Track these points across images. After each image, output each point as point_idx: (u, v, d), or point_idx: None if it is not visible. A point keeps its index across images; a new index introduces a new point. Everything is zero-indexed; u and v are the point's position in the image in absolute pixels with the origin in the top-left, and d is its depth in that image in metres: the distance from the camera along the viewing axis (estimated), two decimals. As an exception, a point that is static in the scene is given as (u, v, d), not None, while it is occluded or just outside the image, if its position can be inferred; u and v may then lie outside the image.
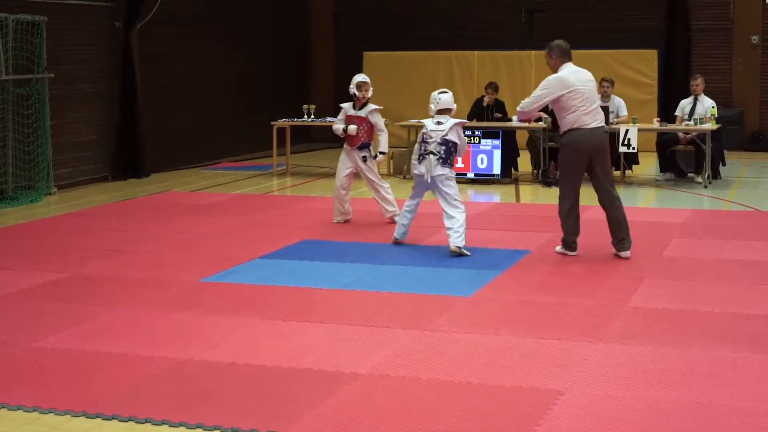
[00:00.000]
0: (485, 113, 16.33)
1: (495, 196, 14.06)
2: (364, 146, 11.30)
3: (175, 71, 17.53)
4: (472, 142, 15.16)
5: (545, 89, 9.42)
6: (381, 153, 11.36)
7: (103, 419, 5.29)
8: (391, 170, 16.36)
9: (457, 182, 15.41)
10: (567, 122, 9.34)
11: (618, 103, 15.49)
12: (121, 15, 16.00)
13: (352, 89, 11.39)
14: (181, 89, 17.50)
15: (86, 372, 6.07)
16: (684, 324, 7.09)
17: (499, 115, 16.28)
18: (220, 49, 18.90)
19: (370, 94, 11.34)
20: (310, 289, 8.20)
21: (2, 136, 13.38)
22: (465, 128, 14.18)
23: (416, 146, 10.01)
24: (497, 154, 15.12)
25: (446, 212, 9.63)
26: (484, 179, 15.17)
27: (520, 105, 9.81)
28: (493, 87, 16.47)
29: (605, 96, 15.41)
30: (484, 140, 15.17)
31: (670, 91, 19.15)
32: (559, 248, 9.59)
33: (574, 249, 9.53)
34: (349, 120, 11.34)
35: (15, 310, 7.58)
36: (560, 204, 9.56)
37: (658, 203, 13.26)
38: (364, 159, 11.30)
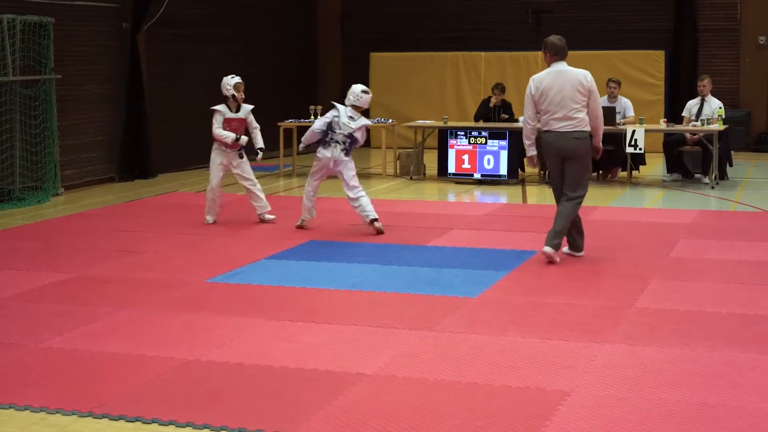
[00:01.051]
0: (492, 114, 16.34)
1: (502, 196, 14.05)
2: (247, 148, 11.49)
3: (181, 72, 17.55)
4: (479, 143, 15.17)
5: (527, 94, 9.35)
6: (261, 150, 11.62)
7: (110, 419, 5.29)
8: (398, 171, 16.36)
9: (464, 183, 15.52)
10: (541, 123, 9.32)
11: (625, 103, 15.48)
12: (128, 16, 16.03)
13: (230, 90, 11.32)
14: (187, 90, 17.51)
15: (93, 372, 6.08)
16: (691, 325, 7.08)
17: (506, 116, 16.28)
18: (226, 50, 18.91)
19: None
20: (317, 289, 8.20)
21: (10, 137, 13.41)
22: (461, 129, 14.99)
23: (319, 127, 10.86)
24: (504, 155, 15.11)
25: (350, 196, 10.73)
26: (490, 180, 15.16)
27: (523, 126, 9.60)
28: (500, 88, 16.48)
29: (612, 97, 15.41)
30: (491, 141, 15.16)
31: (677, 92, 19.14)
32: (565, 249, 9.51)
33: (580, 250, 9.48)
34: (228, 122, 11.36)
35: (22, 311, 7.59)
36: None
37: (665, 204, 13.24)
38: (240, 156, 11.41)
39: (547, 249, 9.10)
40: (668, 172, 15.51)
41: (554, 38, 9.43)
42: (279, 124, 16.70)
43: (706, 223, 11.45)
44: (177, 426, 5.19)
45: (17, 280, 8.66)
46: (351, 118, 10.72)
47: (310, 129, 11.04)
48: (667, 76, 19.70)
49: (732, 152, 15.73)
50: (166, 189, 14.90)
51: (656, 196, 13.93)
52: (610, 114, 14.89)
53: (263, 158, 11.83)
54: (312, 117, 16.85)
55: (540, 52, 19.79)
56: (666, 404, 5.43)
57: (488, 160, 15.17)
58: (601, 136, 9.45)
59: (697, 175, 15.17)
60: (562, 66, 9.29)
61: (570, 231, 9.33)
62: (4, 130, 13.28)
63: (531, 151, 9.48)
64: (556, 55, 9.34)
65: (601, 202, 13.27)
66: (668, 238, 10.36)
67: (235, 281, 8.54)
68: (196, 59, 17.86)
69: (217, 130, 11.26)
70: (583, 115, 9.16)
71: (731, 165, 15.44)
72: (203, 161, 17.47)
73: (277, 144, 16.65)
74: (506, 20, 21.34)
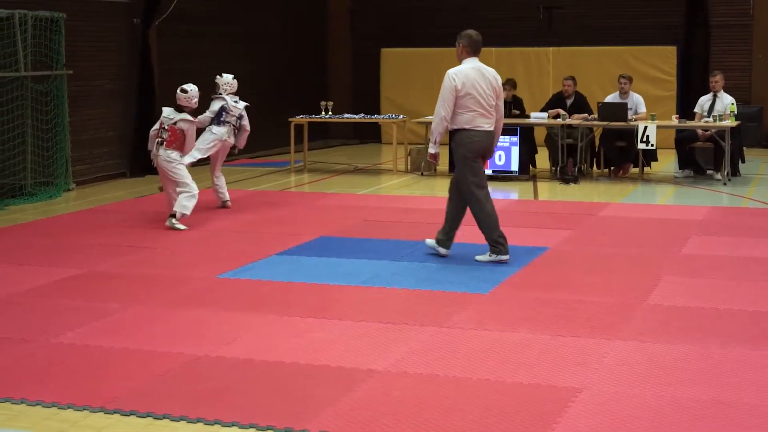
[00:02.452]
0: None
1: (513, 193, 14.03)
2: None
3: (192, 68, 17.52)
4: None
5: (445, 87, 8.85)
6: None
7: (121, 415, 5.30)
8: (409, 167, 16.35)
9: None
10: (460, 121, 8.89)
11: (636, 99, 15.43)
12: (139, 12, 16.04)
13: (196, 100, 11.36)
14: (198, 86, 17.48)
15: (104, 368, 6.09)
16: (703, 321, 7.06)
17: (517, 112, 16.25)
18: (237, 46, 18.93)
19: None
20: (328, 285, 8.20)
21: (21, 132, 13.43)
22: None
23: (213, 110, 12.11)
24: (515, 151, 15.08)
25: (218, 176, 12.22)
26: (502, 176, 15.14)
27: (433, 123, 9.04)
28: (510, 84, 16.43)
29: (623, 92, 15.37)
30: (502, 137, 15.10)
31: (689, 88, 19.05)
32: (489, 256, 9.07)
33: (505, 252, 9.04)
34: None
35: (33, 307, 7.60)
36: (478, 208, 9.06)
37: (676, 200, 13.20)
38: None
39: (432, 241, 9.33)
40: (680, 169, 15.46)
41: (472, 32, 9.06)
42: (290, 119, 16.70)
43: (717, 219, 11.42)
44: (188, 421, 5.19)
45: (28, 275, 8.68)
46: (236, 102, 12.20)
47: (206, 115, 12.17)
48: (679, 72, 19.63)
49: (744, 148, 15.67)
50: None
51: (668, 193, 13.90)
52: (621, 110, 14.88)
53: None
54: (323, 113, 16.88)
55: (551, 48, 20.03)
56: (678, 401, 5.42)
57: (499, 156, 15.14)
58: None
59: (709, 172, 15.13)
60: (477, 63, 9.01)
61: (456, 226, 9.26)
62: (15, 126, 13.30)
63: (437, 148, 9.07)
64: (471, 48, 9.03)
65: (612, 198, 13.24)
66: (680, 235, 10.33)
67: (246, 277, 8.54)
68: (207, 55, 17.85)
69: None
70: (495, 114, 9.02)
71: (743, 161, 15.39)
72: (214, 157, 17.56)
73: (288, 140, 16.65)
74: (517, 16, 21.29)
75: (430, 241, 9.38)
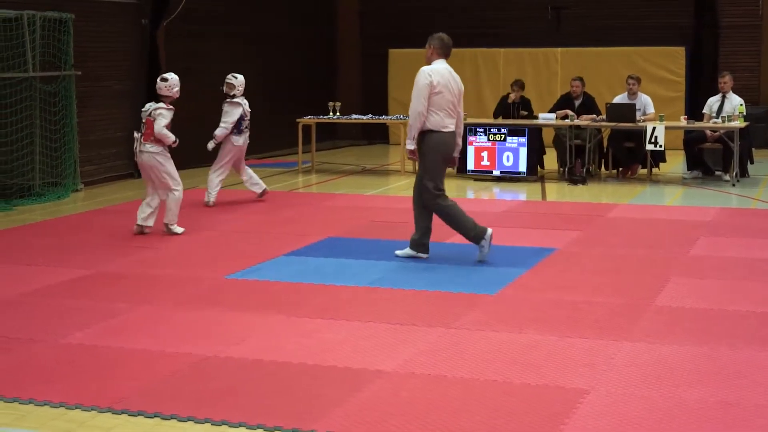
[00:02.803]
0: (511, 111, 16.30)
1: (521, 193, 14.02)
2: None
3: (200, 69, 17.56)
4: (498, 139, 15.13)
5: (421, 83, 8.94)
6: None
7: (129, 415, 5.30)
8: (416, 168, 16.30)
9: (483, 180, 15.49)
10: (430, 121, 8.97)
11: (645, 100, 15.41)
12: (147, 12, 16.07)
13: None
14: (207, 87, 17.51)
15: (112, 368, 6.10)
16: (711, 323, 7.04)
17: (525, 113, 16.24)
18: (245, 46, 18.94)
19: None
20: (335, 286, 8.20)
21: (30, 132, 13.46)
22: (480, 126, 15.20)
23: (233, 120, 12.39)
24: (523, 152, 15.07)
25: (247, 170, 12.72)
26: (509, 177, 15.13)
27: (410, 119, 9.11)
28: (518, 84, 16.43)
29: (632, 93, 15.35)
30: (510, 138, 15.12)
31: (698, 89, 19.01)
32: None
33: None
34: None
35: (41, 307, 7.61)
36: (440, 203, 9.16)
37: (685, 201, 13.18)
38: None
39: (403, 249, 9.36)
40: (688, 170, 15.44)
41: (444, 35, 9.21)
42: (298, 120, 16.70)
43: (726, 220, 11.39)
44: (195, 422, 5.19)
45: (36, 275, 8.69)
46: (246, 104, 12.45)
47: (225, 126, 12.44)
48: (688, 73, 19.59)
49: (753, 149, 15.64)
50: (184, 185, 14.79)
51: (676, 194, 13.87)
52: (629, 111, 14.86)
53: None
54: (331, 113, 16.88)
55: (559, 49, 19.99)
56: (686, 403, 5.41)
57: (507, 157, 15.13)
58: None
59: (718, 173, 15.11)
60: (447, 64, 9.15)
61: (428, 230, 9.30)
62: (24, 126, 13.33)
63: (413, 144, 9.12)
64: (444, 53, 9.17)
65: (621, 199, 13.22)
66: (688, 236, 10.32)
67: (254, 278, 8.55)
68: (215, 56, 17.88)
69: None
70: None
71: (752, 162, 15.36)
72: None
73: (296, 140, 16.66)
74: (526, 17, 21.27)
75: (402, 252, 9.35)
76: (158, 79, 10.62)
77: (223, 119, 12.56)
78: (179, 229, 10.60)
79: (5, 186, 13.05)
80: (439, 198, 9.11)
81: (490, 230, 9.11)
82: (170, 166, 10.57)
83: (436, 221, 9.32)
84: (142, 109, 10.68)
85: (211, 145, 12.61)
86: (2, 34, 12.85)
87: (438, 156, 9.05)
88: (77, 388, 5.70)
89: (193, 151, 16.89)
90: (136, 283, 8.43)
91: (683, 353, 6.31)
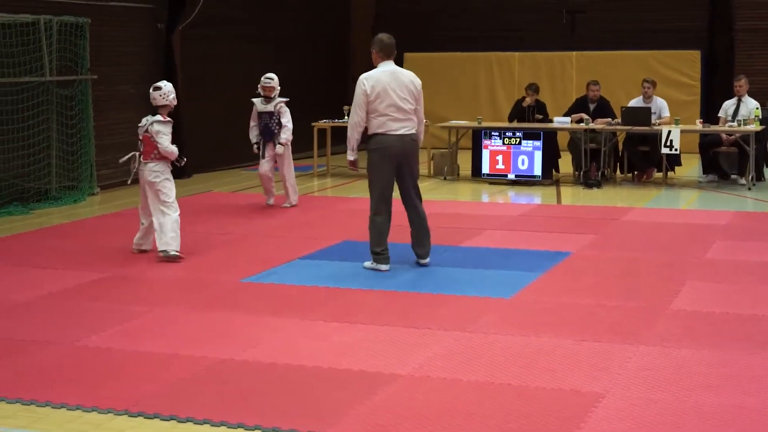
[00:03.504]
0: (526, 114, 16.29)
1: (536, 197, 14.01)
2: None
3: (216, 73, 17.62)
4: (513, 143, 15.13)
5: (357, 92, 8.77)
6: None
7: (145, 418, 5.32)
8: (432, 171, 16.34)
9: (498, 183, 15.48)
10: (373, 125, 8.80)
11: (660, 104, 15.39)
12: (163, 17, 16.11)
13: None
14: (222, 90, 17.59)
15: (128, 371, 6.12)
16: (726, 327, 7.02)
17: (540, 116, 16.23)
18: (261, 50, 18.98)
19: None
20: (351, 290, 8.21)
21: (47, 136, 13.52)
22: (495, 129, 15.33)
23: (290, 122, 12.51)
24: (538, 156, 15.06)
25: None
26: (525, 180, 15.12)
27: (348, 130, 8.92)
28: (533, 88, 16.42)
29: (647, 97, 15.33)
30: (525, 141, 15.12)
31: (713, 92, 18.98)
32: (368, 263, 9.02)
33: (386, 261, 8.93)
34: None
35: (58, 310, 7.65)
36: (372, 217, 8.94)
37: (700, 205, 13.15)
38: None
39: (426, 260, 9.10)
40: (704, 173, 15.40)
41: (384, 36, 9.01)
42: (313, 124, 16.74)
43: (742, 224, 11.36)
44: (211, 425, 5.21)
45: (53, 278, 8.73)
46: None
47: (291, 127, 12.53)
48: (703, 77, 19.55)
49: (769, 153, 15.60)
50: (200, 189, 14.96)
51: (692, 197, 13.84)
52: (645, 114, 14.84)
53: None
54: (346, 117, 16.88)
55: (574, 53, 19.99)
56: (702, 407, 5.39)
57: (522, 161, 15.13)
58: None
59: (733, 176, 15.07)
60: (392, 66, 8.93)
61: (378, 239, 8.96)
62: (41, 130, 13.39)
63: (354, 155, 9.02)
64: (383, 52, 8.95)
65: (636, 203, 13.19)
66: (704, 240, 10.29)
67: (269, 281, 8.57)
68: (230, 60, 17.92)
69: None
70: (414, 117, 8.90)
71: (768, 166, 15.33)
72: (237, 161, 17.63)
73: (311, 144, 16.68)
74: (541, 20, 21.27)
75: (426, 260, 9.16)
76: (151, 90, 9.70)
77: (284, 121, 12.54)
78: (175, 252, 9.45)
79: (22, 189, 13.11)
80: (374, 210, 8.90)
81: (384, 267, 8.88)
82: (172, 185, 9.69)
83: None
84: (139, 125, 9.80)
85: (281, 149, 12.46)
86: (19, 39, 12.91)
87: (377, 159, 8.82)
88: (93, 391, 5.72)
89: (206, 155, 16.98)
90: (151, 286, 8.47)
91: (698, 357, 6.29)
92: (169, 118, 9.73)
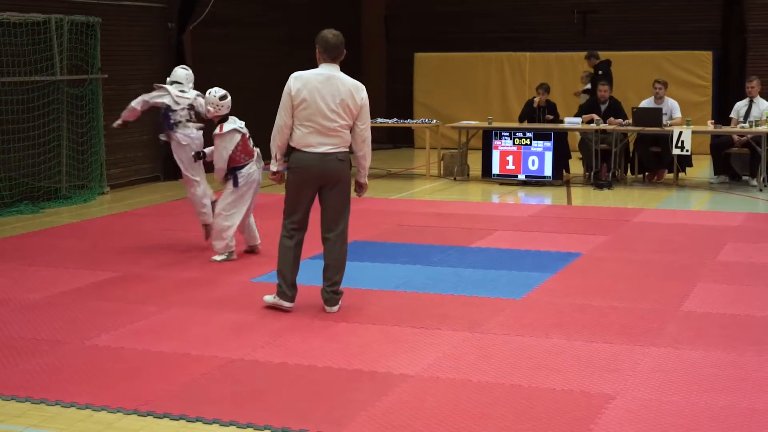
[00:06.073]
0: (536, 114, 16.27)
1: (546, 198, 13.98)
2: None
3: (226, 72, 17.59)
4: (524, 143, 15.10)
5: (286, 94, 7.33)
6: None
7: (154, 417, 5.32)
8: (442, 172, 16.33)
9: (508, 184, 15.47)
10: (293, 137, 7.31)
11: (672, 104, 15.35)
12: (174, 16, 16.13)
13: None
14: (232, 90, 17.47)
15: (138, 370, 6.12)
16: (738, 329, 7.00)
17: (551, 117, 16.20)
18: (271, 50, 18.99)
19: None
20: (361, 290, 8.20)
21: (57, 135, 13.54)
22: (506, 130, 15.13)
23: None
24: (549, 156, 15.04)
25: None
26: (535, 181, 15.09)
27: (278, 133, 7.39)
28: (544, 88, 16.38)
29: (658, 98, 15.29)
30: (536, 142, 15.09)
31: (725, 93, 18.93)
32: (270, 297, 7.63)
33: (288, 299, 7.51)
34: None
35: (68, 309, 7.65)
36: (281, 239, 7.59)
37: (712, 206, 13.10)
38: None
39: (335, 308, 7.52)
40: (715, 174, 15.36)
41: (329, 34, 7.39)
42: (323, 124, 16.70)
43: (754, 226, 11.32)
44: (221, 425, 5.20)
45: (63, 278, 8.74)
46: None
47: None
48: (715, 78, 19.50)
49: (780, 154, 15.54)
50: (212, 188, 14.92)
51: (703, 199, 13.80)
52: (656, 115, 14.80)
53: None
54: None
55: (585, 53, 19.91)
56: (713, 409, 5.37)
57: (533, 161, 15.10)
58: (367, 171, 7.69)
59: (745, 178, 15.02)
60: (333, 70, 7.30)
61: (287, 269, 7.58)
62: (51, 129, 13.42)
63: (280, 165, 7.51)
64: (326, 53, 7.34)
65: (647, 204, 13.16)
66: (715, 241, 10.26)
67: (279, 281, 8.55)
68: (240, 59, 17.93)
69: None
70: (348, 134, 7.34)
71: (780, 167, 15.27)
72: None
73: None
74: (552, 21, 21.24)
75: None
76: (217, 98, 9.79)
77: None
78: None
79: (33, 189, 13.14)
80: (286, 231, 7.56)
81: (288, 305, 7.49)
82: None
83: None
84: (237, 126, 9.88)
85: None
86: (30, 38, 12.94)
87: (293, 180, 7.42)
88: (104, 390, 5.72)
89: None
90: (162, 285, 8.47)
91: (710, 359, 6.27)
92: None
